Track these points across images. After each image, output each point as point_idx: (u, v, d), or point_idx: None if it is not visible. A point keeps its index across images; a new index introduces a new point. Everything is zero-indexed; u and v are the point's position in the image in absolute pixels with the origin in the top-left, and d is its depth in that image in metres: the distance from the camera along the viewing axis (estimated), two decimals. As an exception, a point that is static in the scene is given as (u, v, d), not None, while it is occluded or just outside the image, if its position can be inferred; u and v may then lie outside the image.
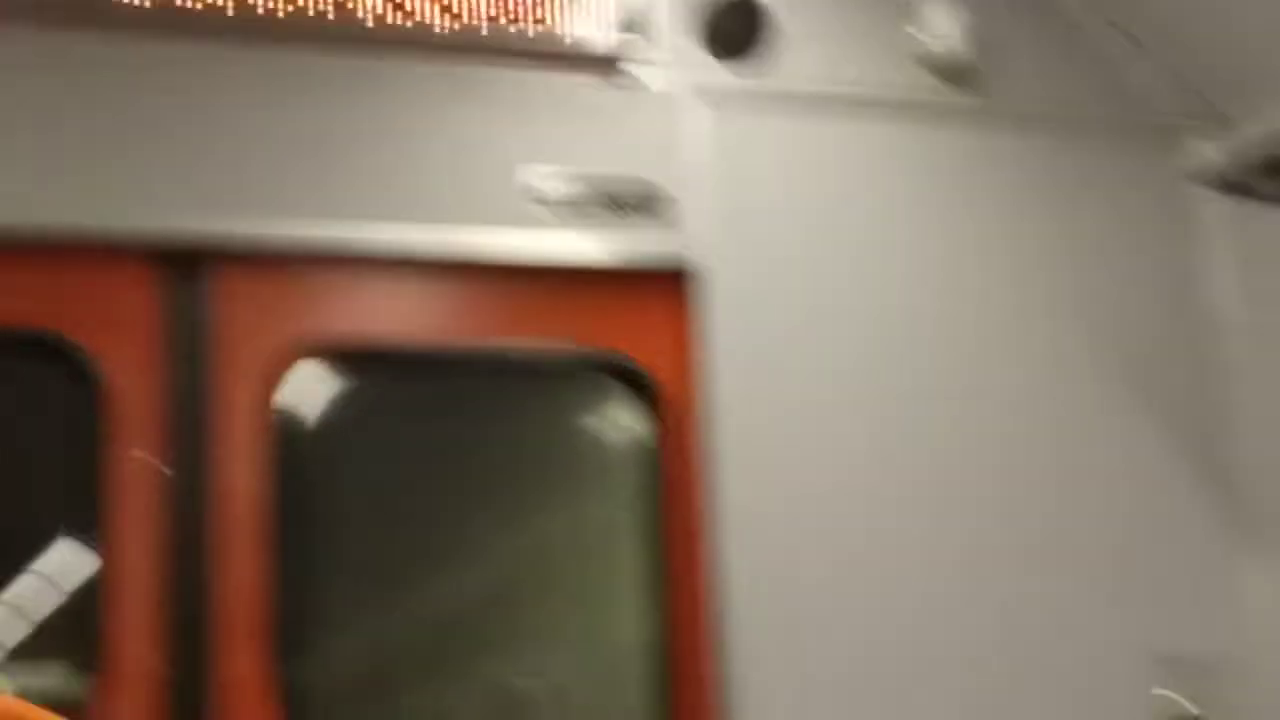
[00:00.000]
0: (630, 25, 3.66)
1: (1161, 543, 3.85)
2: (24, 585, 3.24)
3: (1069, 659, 3.70)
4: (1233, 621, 3.84)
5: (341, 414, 3.52)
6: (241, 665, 3.24)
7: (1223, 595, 3.85)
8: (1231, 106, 3.93)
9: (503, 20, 3.59)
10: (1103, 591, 3.76)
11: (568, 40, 3.63)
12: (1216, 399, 3.95)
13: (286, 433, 3.40)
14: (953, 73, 3.89)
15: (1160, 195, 3.98)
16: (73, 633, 3.25)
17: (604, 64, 3.67)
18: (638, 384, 3.60)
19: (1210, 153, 3.83)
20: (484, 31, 3.57)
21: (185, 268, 3.37)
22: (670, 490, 3.56)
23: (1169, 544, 3.85)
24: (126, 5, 3.35)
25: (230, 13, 3.40)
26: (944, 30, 3.86)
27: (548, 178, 3.58)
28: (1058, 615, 3.71)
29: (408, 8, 3.53)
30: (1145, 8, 3.97)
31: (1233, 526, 3.90)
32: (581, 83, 3.64)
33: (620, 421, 3.68)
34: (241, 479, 3.32)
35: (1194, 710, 3.76)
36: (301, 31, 3.46)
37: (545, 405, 3.72)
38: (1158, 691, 3.73)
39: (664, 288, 3.63)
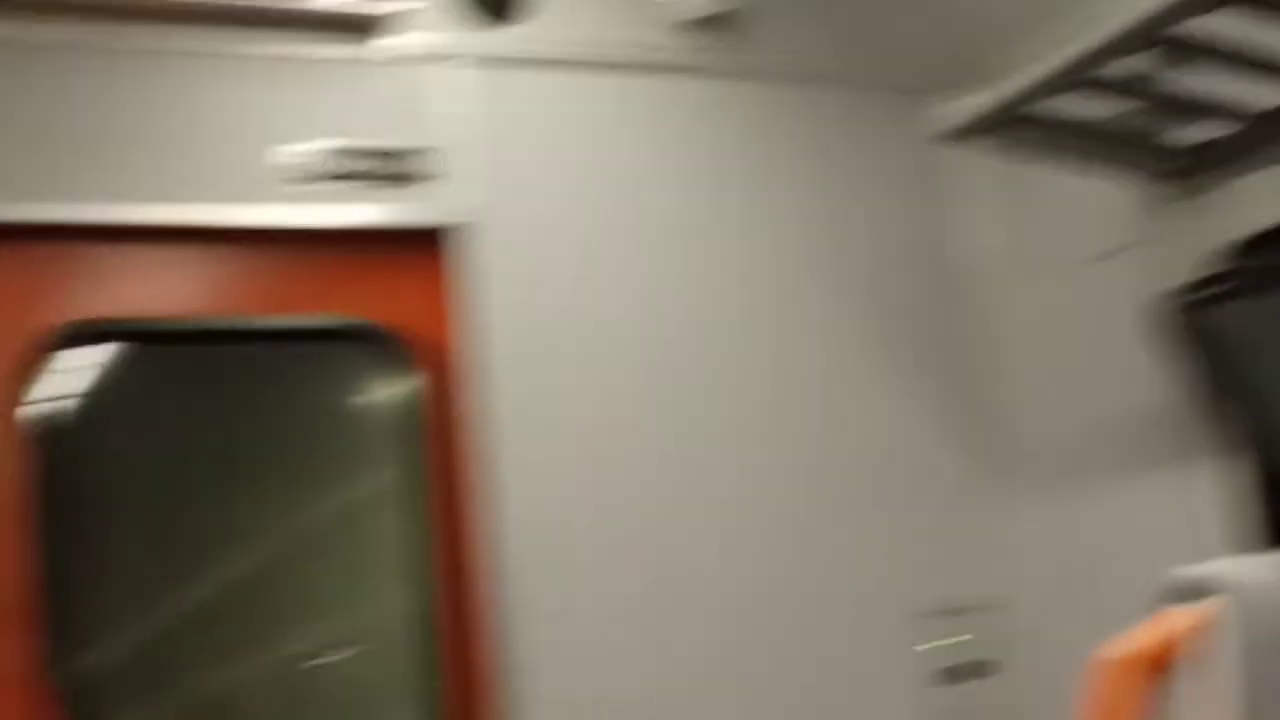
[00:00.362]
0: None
1: (931, 491, 3.95)
2: None
3: (841, 611, 3.79)
4: (1007, 563, 3.95)
5: (103, 393, 3.46)
6: (11, 657, 3.17)
7: (996, 539, 3.97)
8: (975, 63, 4.03)
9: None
10: (875, 545, 3.86)
11: (323, 8, 3.58)
12: (979, 348, 4.08)
13: (49, 415, 3.32)
14: (710, 28, 3.94)
15: (912, 150, 4.09)
16: None
17: (361, 30, 3.63)
18: (397, 352, 3.58)
19: (957, 108, 3.93)
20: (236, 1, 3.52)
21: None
22: (437, 456, 3.56)
23: (939, 492, 3.95)
24: None
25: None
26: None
27: (305, 148, 3.54)
28: (827, 571, 3.79)
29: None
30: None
31: (1001, 469, 4.01)
32: (339, 50, 3.60)
33: (388, 390, 3.67)
34: (2, 465, 3.23)
35: (973, 655, 3.88)
36: (45, 6, 3.36)
37: (311, 378, 3.69)
38: (934, 639, 3.84)
39: (426, 253, 3.62)
